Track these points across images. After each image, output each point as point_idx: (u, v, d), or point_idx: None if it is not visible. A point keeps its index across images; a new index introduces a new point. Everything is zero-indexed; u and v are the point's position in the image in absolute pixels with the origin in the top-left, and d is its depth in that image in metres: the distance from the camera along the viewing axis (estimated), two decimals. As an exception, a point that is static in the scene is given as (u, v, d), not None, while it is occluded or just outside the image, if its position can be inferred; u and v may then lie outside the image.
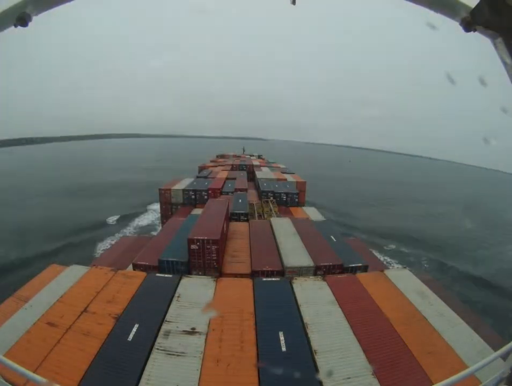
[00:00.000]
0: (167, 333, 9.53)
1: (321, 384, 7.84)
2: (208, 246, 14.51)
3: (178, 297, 11.41)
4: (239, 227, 20.11)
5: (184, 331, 9.68)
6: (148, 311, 10.62)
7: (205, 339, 9.32)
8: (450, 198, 77.37)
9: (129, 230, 40.80)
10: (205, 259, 14.68)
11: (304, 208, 30.16)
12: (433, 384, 2.99)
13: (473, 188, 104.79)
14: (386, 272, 13.72)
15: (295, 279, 12.91)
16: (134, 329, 9.52)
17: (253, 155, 79.26)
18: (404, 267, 14.41)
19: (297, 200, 31.38)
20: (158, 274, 13.40)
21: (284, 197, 31.06)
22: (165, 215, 31.10)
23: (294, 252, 15.93)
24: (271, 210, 27.24)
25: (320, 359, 8.58)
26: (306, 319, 10.30)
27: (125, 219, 45.35)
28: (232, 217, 22.74)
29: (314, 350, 8.91)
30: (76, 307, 10.65)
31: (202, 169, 49.90)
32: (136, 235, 24.10)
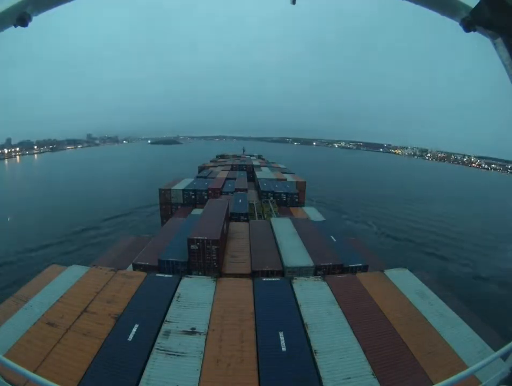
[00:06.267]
0: (167, 333, 9.53)
1: (321, 384, 7.85)
2: (208, 246, 14.51)
3: (178, 297, 11.41)
4: (239, 227, 20.09)
5: (184, 331, 9.68)
6: (148, 311, 10.61)
7: (205, 339, 9.32)
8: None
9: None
10: (205, 259, 14.66)
11: (304, 208, 30.14)
12: (433, 384, 2.99)
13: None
14: (386, 272, 13.70)
15: (296, 279, 12.91)
16: (134, 329, 9.52)
17: (253, 155, 79.40)
18: (405, 267, 14.34)
19: (297, 200, 31.37)
20: (158, 274, 13.39)
21: (284, 197, 31.05)
22: (165, 215, 31.04)
23: (294, 252, 15.93)
24: (271, 210, 27.24)
25: (320, 360, 8.58)
26: (306, 319, 10.30)
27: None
28: (232, 217, 22.72)
29: (314, 350, 8.90)
30: (76, 307, 10.65)
31: (201, 169, 49.90)
32: (136, 235, 24.03)
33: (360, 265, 15.12)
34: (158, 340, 9.23)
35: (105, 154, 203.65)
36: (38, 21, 3.16)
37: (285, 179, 39.04)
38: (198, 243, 14.52)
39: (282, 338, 9.32)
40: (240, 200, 26.71)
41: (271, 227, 19.75)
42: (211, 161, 64.47)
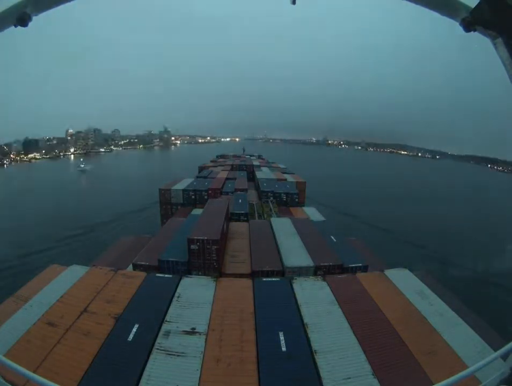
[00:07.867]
0: (167, 333, 9.53)
1: (321, 384, 7.85)
2: (208, 246, 14.51)
3: (178, 297, 11.41)
4: (239, 227, 20.09)
5: (184, 331, 9.69)
6: (148, 311, 10.62)
7: (205, 339, 9.32)
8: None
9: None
10: (205, 259, 14.67)
11: (304, 208, 30.16)
12: (433, 384, 3.00)
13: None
14: (386, 272, 13.71)
15: (295, 279, 12.91)
16: (134, 329, 9.52)
17: (253, 155, 79.44)
18: (405, 267, 14.34)
19: (297, 200, 31.42)
20: (158, 274, 13.39)
21: (284, 197, 31.10)
22: (165, 215, 31.09)
23: (294, 252, 15.93)
24: (271, 210, 27.26)
25: (320, 360, 8.58)
26: (306, 319, 10.30)
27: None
28: (232, 217, 22.72)
29: (314, 350, 8.91)
30: (76, 307, 10.65)
31: (202, 169, 49.95)
32: (136, 235, 24.18)
33: (360, 265, 15.11)
34: (158, 340, 9.22)
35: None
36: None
37: (285, 179, 39.07)
38: (198, 243, 14.52)
39: (282, 338, 9.33)
40: (240, 200, 26.71)
41: (271, 227, 19.75)
42: (211, 161, 64.46)
